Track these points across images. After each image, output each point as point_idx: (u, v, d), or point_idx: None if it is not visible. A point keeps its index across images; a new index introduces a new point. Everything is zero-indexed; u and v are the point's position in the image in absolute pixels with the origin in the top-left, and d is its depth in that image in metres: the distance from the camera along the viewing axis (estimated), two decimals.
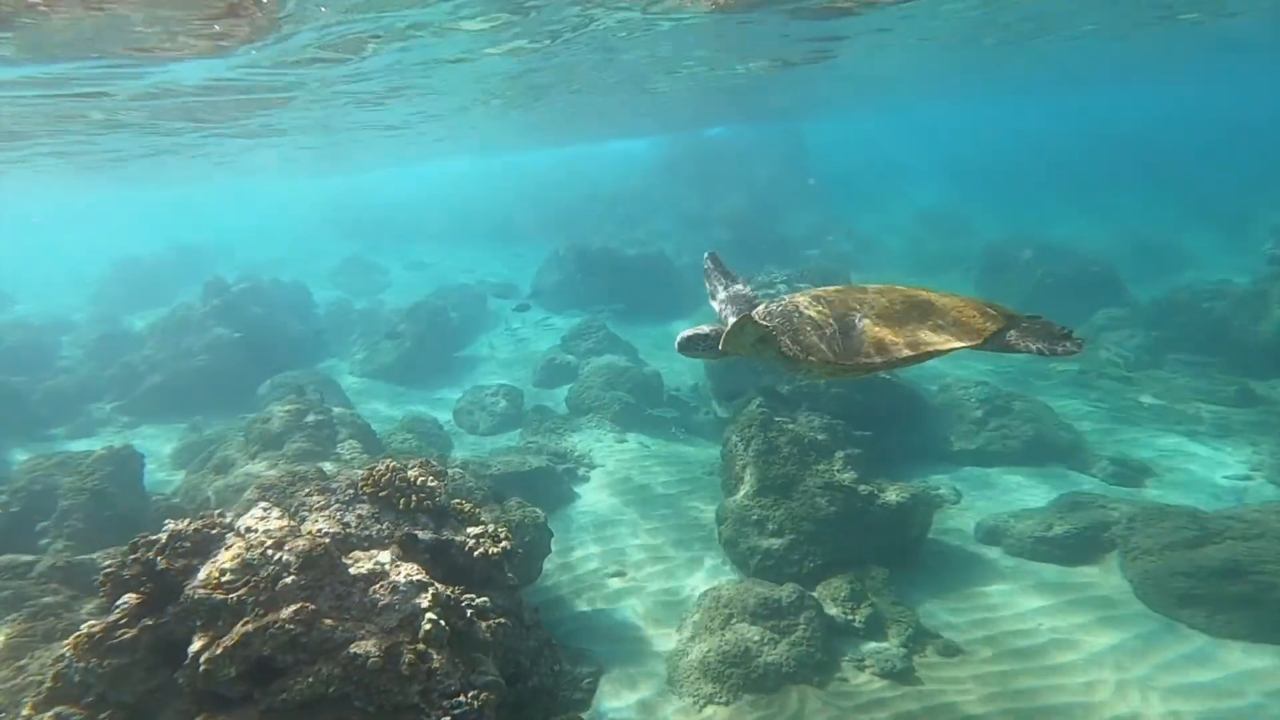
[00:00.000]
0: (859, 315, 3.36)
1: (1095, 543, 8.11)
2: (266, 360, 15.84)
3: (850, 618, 7.05)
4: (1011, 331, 3.26)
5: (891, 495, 7.87)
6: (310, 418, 10.94)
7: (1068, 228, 24.84)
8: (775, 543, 7.78)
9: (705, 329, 3.62)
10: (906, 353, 3.20)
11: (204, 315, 16.85)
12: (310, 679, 3.46)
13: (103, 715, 3.56)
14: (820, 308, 3.42)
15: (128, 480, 8.72)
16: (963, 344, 3.21)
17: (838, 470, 7.99)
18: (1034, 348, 3.19)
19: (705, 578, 8.36)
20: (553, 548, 8.64)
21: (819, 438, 8.32)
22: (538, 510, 8.54)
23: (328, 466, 8.92)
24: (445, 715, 3.65)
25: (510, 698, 4.60)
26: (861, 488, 7.87)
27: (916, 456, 10.64)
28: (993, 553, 8.40)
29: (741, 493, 8.35)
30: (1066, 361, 13.76)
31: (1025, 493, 9.73)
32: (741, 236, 23.78)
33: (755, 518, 8.03)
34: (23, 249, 37.49)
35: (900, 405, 10.44)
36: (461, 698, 3.69)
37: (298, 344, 18.37)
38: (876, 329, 3.30)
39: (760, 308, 3.61)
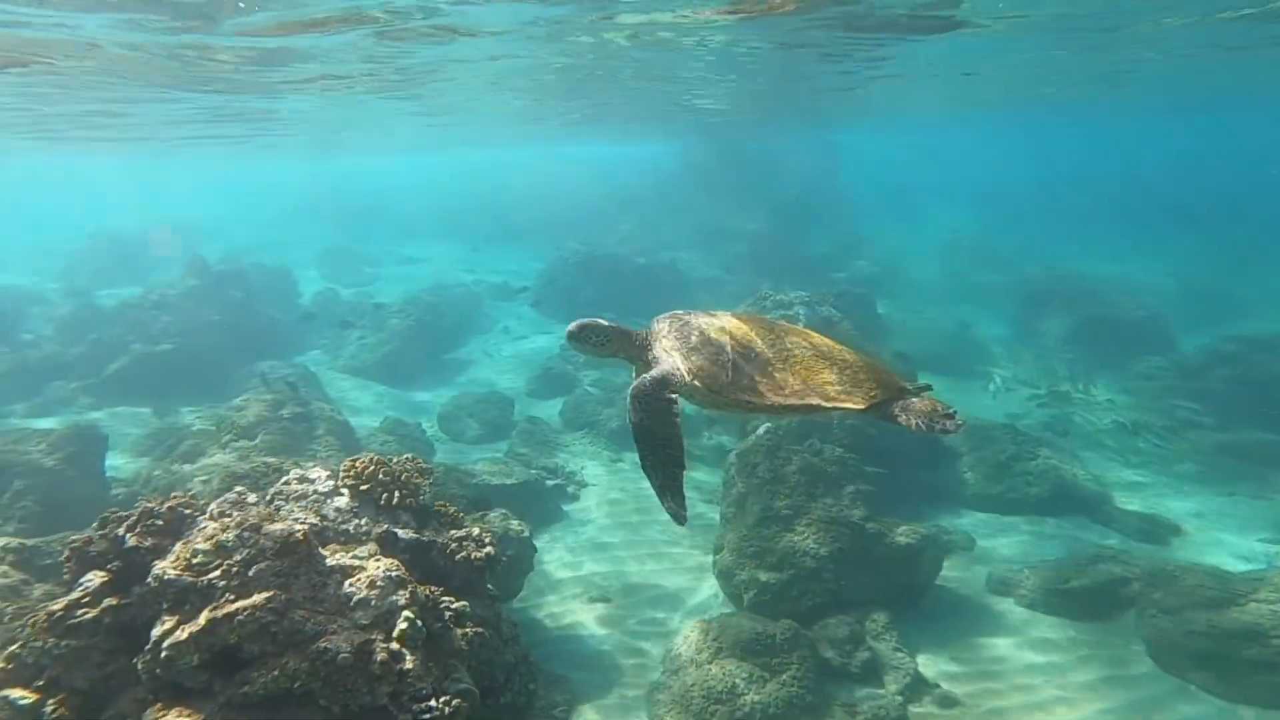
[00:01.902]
0: (759, 352, 3.48)
1: (1112, 599, 8.25)
2: (244, 348, 16.10)
3: (846, 661, 7.16)
4: (898, 404, 3.45)
5: (901, 536, 8.00)
6: (286, 410, 11.18)
7: (1113, 265, 25.06)
8: (773, 576, 7.90)
9: (605, 322, 3.77)
10: (791, 401, 3.36)
11: (180, 296, 17.16)
12: (275, 672, 3.63)
13: (53, 700, 3.73)
14: (725, 335, 3.55)
15: (88, 463, 8.92)
16: (847, 406, 3.38)
17: (846, 505, 8.12)
18: (914, 423, 3.38)
19: (695, 609, 8.50)
20: (535, 565, 8.82)
21: (829, 469, 8.46)
22: (522, 524, 8.73)
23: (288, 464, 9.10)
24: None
25: (480, 713, 4.75)
26: (870, 525, 7.99)
27: (932, 497, 10.79)
28: (1004, 603, 8.53)
29: (742, 521, 8.49)
30: (1104, 413, 13.91)
31: (1044, 544, 9.87)
32: (760, 251, 24.10)
33: (754, 549, 8.17)
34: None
35: (919, 442, 10.61)
36: (433, 702, 3.86)
37: (277, 332, 18.65)
38: (772, 371, 3.43)
39: (666, 321, 3.73)
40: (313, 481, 5.18)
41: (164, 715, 3.51)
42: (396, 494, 5.04)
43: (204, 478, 9.36)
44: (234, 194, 48.30)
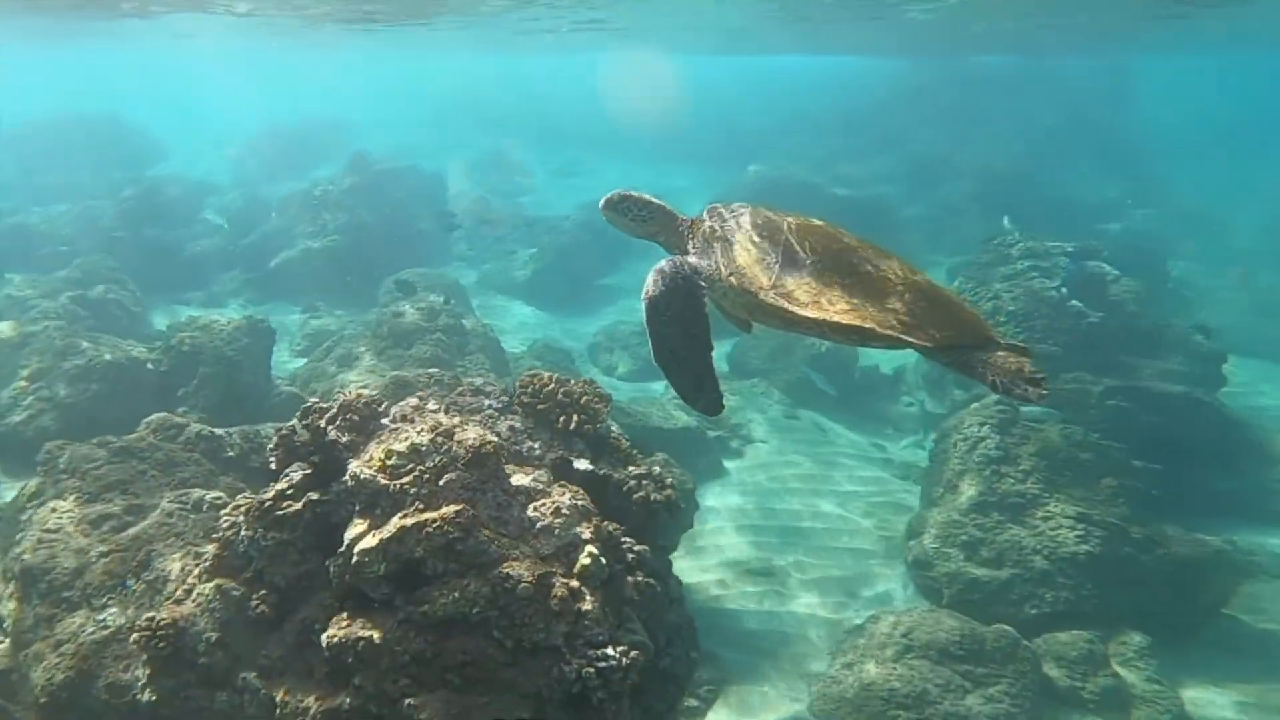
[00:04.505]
0: (815, 260, 3.39)
1: None
2: (395, 253, 17.26)
3: (1079, 685, 6.77)
4: (979, 354, 3.28)
5: (1182, 547, 7.51)
6: (442, 320, 11.92)
7: None
8: (988, 573, 7.65)
9: (650, 197, 3.82)
10: (837, 319, 3.25)
11: (341, 194, 18.55)
12: (455, 594, 3.84)
13: (257, 595, 4.18)
14: (780, 233, 3.48)
15: (258, 357, 9.97)
16: (908, 339, 3.24)
17: (1103, 501, 7.68)
18: (991, 379, 3.21)
19: (876, 598, 8.30)
20: (694, 524, 8.92)
21: (1080, 456, 8.02)
22: (685, 475, 8.80)
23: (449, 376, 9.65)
24: (589, 666, 3.93)
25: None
26: (1135, 529, 7.54)
27: (1228, 509, 9.77)
28: None
29: (952, 504, 8.25)
30: None
31: None
32: (994, 191, 22.04)
33: (965, 539, 7.94)
34: (175, 105, 42.69)
35: (1213, 436, 9.66)
36: (610, 650, 3.95)
37: (426, 240, 19.74)
38: (824, 283, 3.33)
39: (716, 211, 3.72)
40: (486, 395, 5.41)
41: (348, 625, 3.84)
42: (575, 418, 5.15)
43: (361, 385, 10.22)
44: (393, 92, 51.25)
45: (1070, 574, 7.44)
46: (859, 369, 13.23)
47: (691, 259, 3.62)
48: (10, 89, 36.92)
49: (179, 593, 4.90)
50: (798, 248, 3.42)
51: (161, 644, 4.49)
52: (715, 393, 3.45)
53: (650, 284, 3.50)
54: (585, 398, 5.19)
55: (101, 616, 5.30)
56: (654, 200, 3.89)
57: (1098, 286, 11.55)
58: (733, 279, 3.43)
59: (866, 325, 3.25)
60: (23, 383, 9.12)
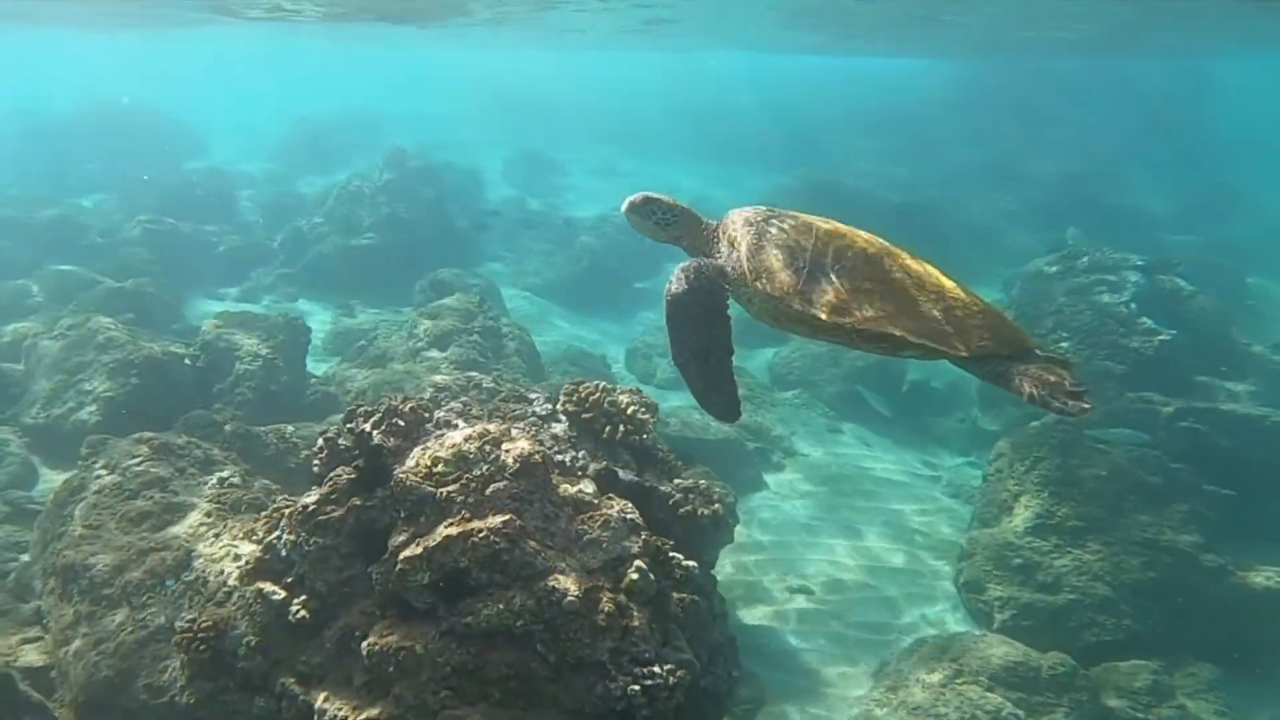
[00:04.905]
0: (845, 265, 3.38)
1: None
2: (429, 251, 17.44)
3: (1141, 716, 6.61)
4: (1016, 365, 3.25)
5: (1260, 578, 7.40)
6: (479, 321, 12.01)
7: None
8: (1043, 598, 7.57)
9: (675, 200, 3.85)
10: (866, 326, 3.23)
11: (376, 190, 18.80)
12: (500, 606, 3.86)
13: (298, 600, 4.24)
14: (808, 238, 3.47)
15: (293, 355, 10.15)
16: (941, 349, 3.23)
17: (1173, 527, 7.58)
18: (1029, 391, 3.16)
19: (923, 620, 8.21)
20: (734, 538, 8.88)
21: (1149, 479, 7.92)
22: (726, 489, 8.76)
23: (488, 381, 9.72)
24: (634, 684, 3.93)
25: None
26: (1207, 558, 7.43)
27: None
28: None
29: (1007, 526, 8.19)
30: None
31: None
32: (1059, 199, 21.50)
33: (1020, 562, 7.86)
34: (215, 98, 43.64)
35: None
36: (656, 668, 3.94)
37: (459, 239, 19.89)
38: (853, 288, 3.31)
39: (742, 213, 3.74)
40: (530, 402, 5.45)
41: (390, 634, 3.88)
42: (621, 428, 5.16)
43: (395, 385, 10.33)
44: (428, 85, 51.79)
45: (1135, 601, 7.32)
46: (908, 382, 13.06)
47: (716, 261, 3.65)
48: (50, 77, 38.00)
49: (219, 595, 5.00)
50: (826, 253, 3.43)
51: (201, 646, 4.57)
52: (733, 398, 3.47)
53: (673, 283, 3.57)
54: (632, 407, 5.20)
55: (141, 616, 5.42)
56: (679, 204, 3.92)
57: (1170, 303, 11.27)
58: (758, 283, 3.44)
59: (896, 333, 3.24)
60: (63, 376, 9.36)
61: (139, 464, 6.45)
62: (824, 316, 3.29)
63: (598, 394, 5.19)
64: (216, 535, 5.53)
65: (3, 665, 5.58)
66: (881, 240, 3.56)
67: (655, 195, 3.90)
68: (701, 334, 3.46)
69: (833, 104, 33.71)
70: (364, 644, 4.00)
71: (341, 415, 4.48)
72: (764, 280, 3.42)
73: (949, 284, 3.41)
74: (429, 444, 4.11)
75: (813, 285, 3.35)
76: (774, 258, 3.45)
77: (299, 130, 31.56)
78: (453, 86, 49.27)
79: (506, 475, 3.91)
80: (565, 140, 36.80)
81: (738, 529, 9.60)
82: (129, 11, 22.93)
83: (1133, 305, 10.84)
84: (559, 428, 5.31)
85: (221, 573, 5.13)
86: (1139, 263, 11.61)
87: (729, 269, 3.57)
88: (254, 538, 5.27)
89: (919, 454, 11.94)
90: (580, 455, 5.19)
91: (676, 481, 5.27)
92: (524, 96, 44.55)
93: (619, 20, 23.90)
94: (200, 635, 4.58)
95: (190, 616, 4.69)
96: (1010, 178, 23.70)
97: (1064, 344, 10.32)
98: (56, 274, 14.04)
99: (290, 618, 4.30)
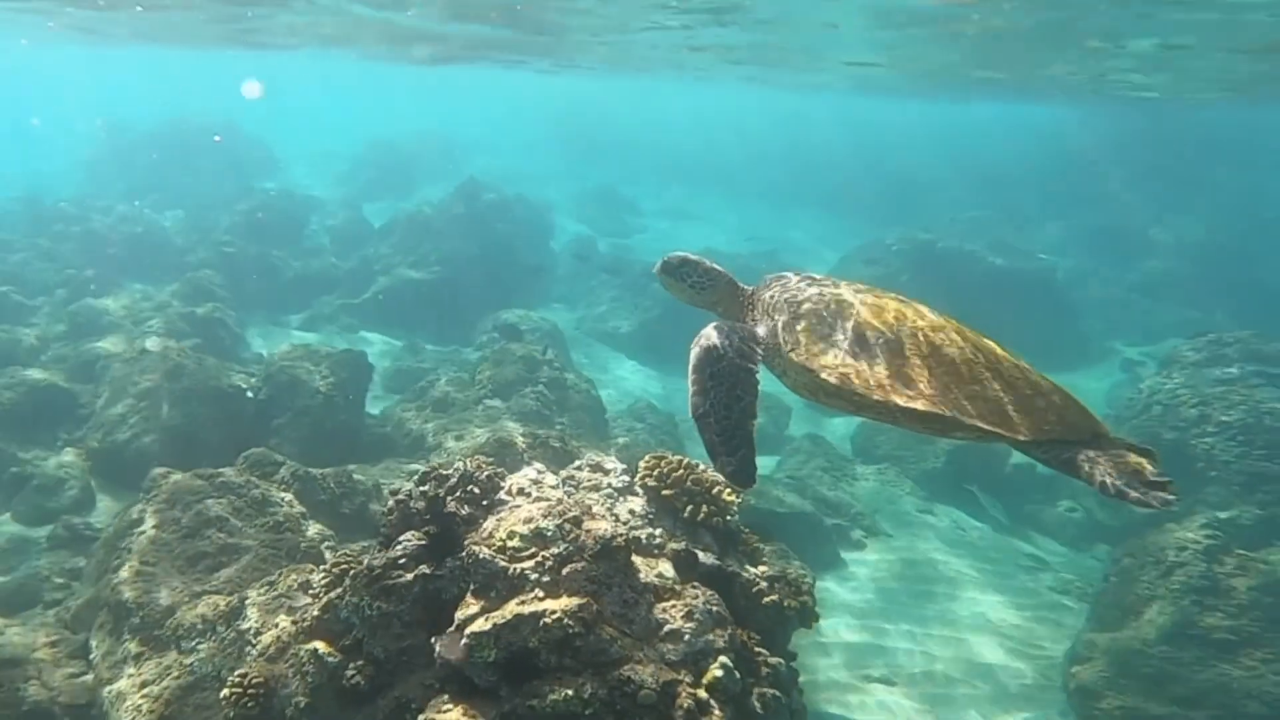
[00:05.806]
0: (892, 339, 3.31)
1: None
2: (496, 289, 17.77)
3: None
4: (1084, 451, 3.10)
5: None
6: (544, 372, 12.13)
7: None
8: (1179, 713, 7.38)
9: (712, 264, 3.89)
10: (916, 405, 3.14)
11: (446, 222, 19.34)
12: (569, 692, 3.81)
13: (354, 665, 4.28)
14: (852, 309, 3.43)
15: (355, 391, 10.43)
16: (999, 431, 3.12)
17: None
18: (1101, 480, 2.99)
19: None
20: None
21: None
22: (804, 568, 8.59)
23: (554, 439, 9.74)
24: None
25: None
26: None
27: None
28: None
29: (1134, 632, 8.01)
30: None
31: None
32: (1193, 272, 20.50)
33: (1151, 671, 7.69)
34: (291, 118, 45.76)
35: None
36: None
37: (527, 277, 20.15)
38: (902, 363, 3.24)
39: (781, 279, 3.79)
40: (607, 473, 5.42)
41: (448, 709, 3.86)
42: (704, 508, 5.09)
43: (456, 433, 10.50)
44: (502, 112, 53.22)
45: None
46: (1010, 464, 12.68)
47: (752, 327, 3.66)
48: (132, 91, 40.38)
49: (273, 649, 5.08)
50: (871, 324, 3.39)
51: (250, 703, 4.64)
52: (749, 462, 3.36)
53: (704, 335, 3.55)
54: (718, 487, 5.14)
55: (189, 661, 5.54)
56: (716, 267, 3.93)
57: None
58: (794, 354, 3.43)
59: (947, 414, 3.15)
60: (130, 400, 9.79)
61: (199, 500, 6.67)
62: (865, 393, 3.23)
63: (680, 470, 5.14)
64: (271, 584, 5.64)
65: (48, 701, 5.76)
66: (936, 313, 3.51)
67: (691, 256, 3.93)
68: (727, 390, 3.39)
69: (939, 153, 33.05)
70: (420, 717, 3.99)
71: (409, 470, 4.54)
72: (799, 351, 3.41)
73: (1009, 361, 3.31)
74: (504, 515, 4.13)
75: (852, 359, 3.31)
76: (812, 328, 3.44)
77: (372, 154, 32.80)
78: (528, 111, 50.41)
79: (585, 556, 3.89)
80: (640, 176, 37.03)
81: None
82: (231, 34, 24.27)
83: None
84: (637, 503, 5.27)
85: (276, 625, 5.21)
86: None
87: (763, 333, 3.58)
88: (309, 590, 5.35)
89: (1022, 543, 11.56)
90: (658, 533, 5.13)
91: (761, 568, 5.16)
92: (602, 128, 45.26)
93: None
94: (250, 691, 4.65)
95: (241, 671, 4.76)
96: (1147, 246, 22.81)
97: (1209, 439, 9.88)
98: (131, 293, 14.82)
99: (344, 682, 4.33)
